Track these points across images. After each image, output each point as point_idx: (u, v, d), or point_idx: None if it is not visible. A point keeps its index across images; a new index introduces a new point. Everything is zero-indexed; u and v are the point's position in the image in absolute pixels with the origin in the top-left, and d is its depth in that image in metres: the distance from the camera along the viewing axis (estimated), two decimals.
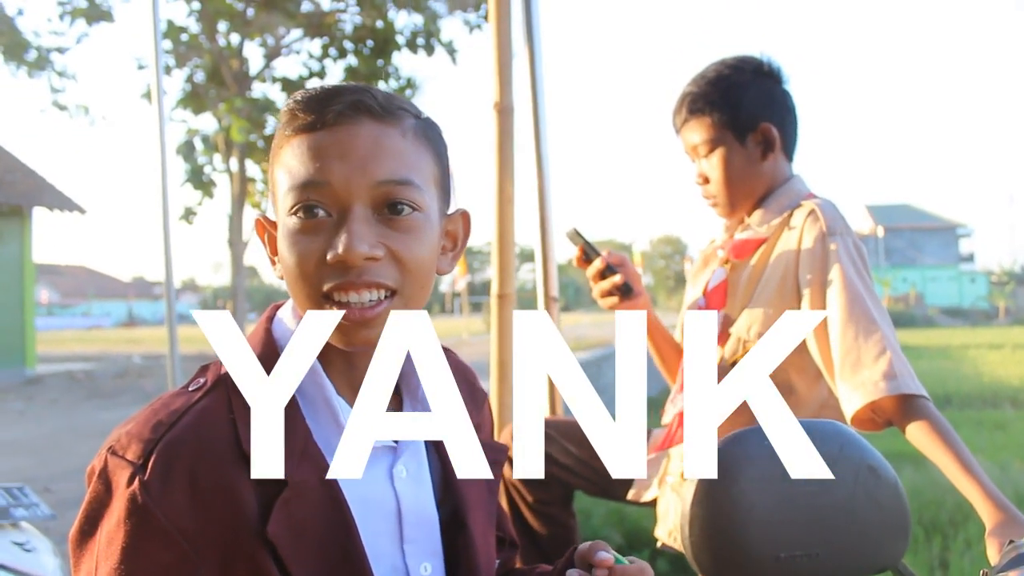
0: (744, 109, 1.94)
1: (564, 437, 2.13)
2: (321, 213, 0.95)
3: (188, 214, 19.51)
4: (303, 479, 0.95)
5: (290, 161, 0.97)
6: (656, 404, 2.17)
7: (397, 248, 0.96)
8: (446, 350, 1.29)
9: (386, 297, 0.97)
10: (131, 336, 39.21)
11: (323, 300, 0.96)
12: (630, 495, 2.12)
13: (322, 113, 0.96)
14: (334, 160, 0.94)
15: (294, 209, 0.96)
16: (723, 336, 1.93)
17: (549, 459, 2.10)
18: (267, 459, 0.92)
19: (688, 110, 1.98)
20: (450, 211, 1.10)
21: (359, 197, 0.95)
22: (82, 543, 0.92)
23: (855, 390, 1.67)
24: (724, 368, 1.91)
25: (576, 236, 2.09)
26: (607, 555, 1.01)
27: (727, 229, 2.07)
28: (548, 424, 2.16)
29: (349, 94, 0.97)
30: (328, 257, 0.93)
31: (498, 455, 1.20)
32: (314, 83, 19.21)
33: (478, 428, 1.21)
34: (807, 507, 0.84)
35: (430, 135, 1.04)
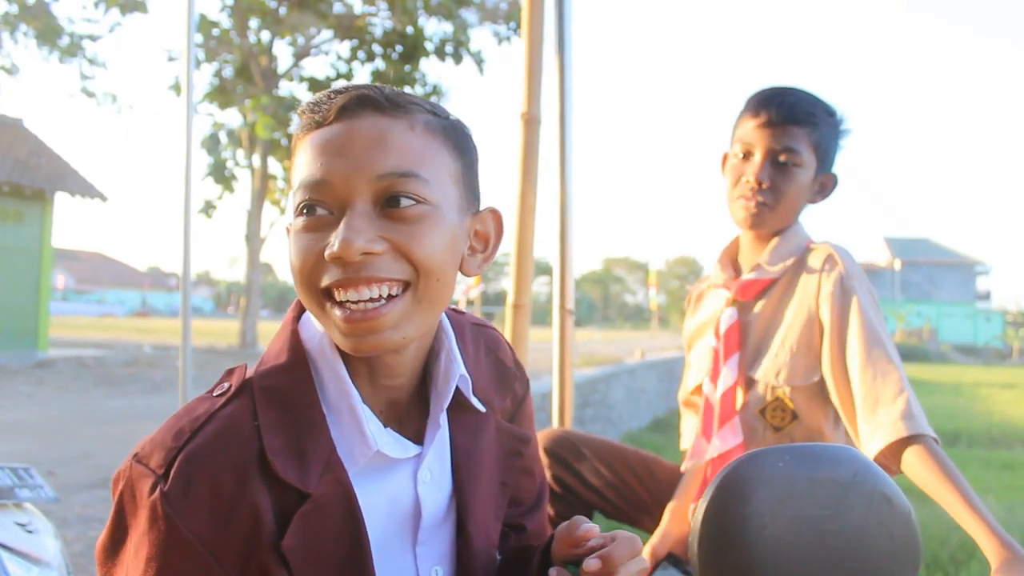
0: (832, 151, 1.96)
1: (598, 458, 2.10)
2: (323, 211, 0.92)
3: (208, 207, 19.66)
4: (324, 492, 0.93)
5: (298, 161, 0.95)
6: (648, 436, 2.15)
7: (400, 241, 0.91)
8: (489, 327, 1.25)
9: (391, 296, 0.93)
10: (143, 325, 39.43)
11: (323, 297, 0.93)
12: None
13: (326, 111, 0.94)
14: (335, 157, 0.91)
15: (299, 209, 0.93)
16: (743, 379, 1.91)
17: (578, 477, 2.08)
18: (291, 471, 0.91)
19: (795, 113, 1.90)
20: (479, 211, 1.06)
21: (359, 193, 0.91)
22: (112, 551, 0.91)
23: (877, 430, 1.67)
24: (752, 416, 1.90)
25: None
26: (591, 526, 0.98)
27: (723, 268, 2.05)
28: (584, 442, 2.12)
29: (354, 90, 0.94)
30: (326, 254, 0.90)
31: (517, 444, 1.18)
32: (341, 84, 19.21)
33: (507, 413, 1.20)
34: (818, 531, 0.83)
35: (449, 132, 0.99)
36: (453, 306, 1.19)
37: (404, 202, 0.91)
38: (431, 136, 0.96)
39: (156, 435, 0.93)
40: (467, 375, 1.08)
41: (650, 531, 2.09)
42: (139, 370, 15.38)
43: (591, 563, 0.92)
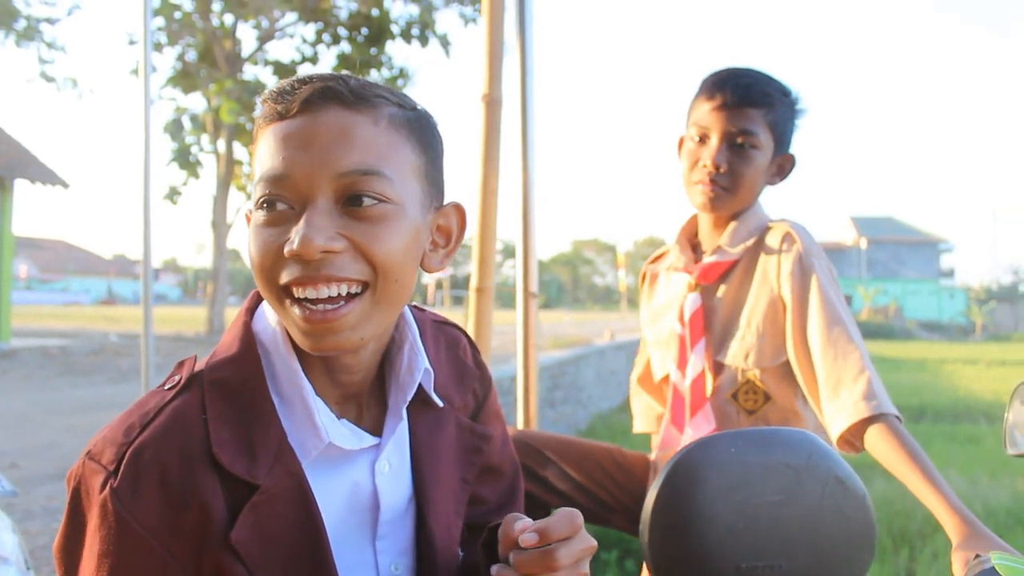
0: (789, 131, 1.94)
1: (565, 460, 2.00)
2: (283, 206, 0.90)
3: (172, 194, 19.45)
4: (275, 483, 0.92)
5: (260, 153, 0.93)
6: (619, 417, 2.11)
7: (361, 240, 0.90)
8: (450, 325, 1.23)
9: (351, 296, 0.91)
10: (109, 314, 39.00)
11: (283, 294, 0.91)
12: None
13: (289, 102, 0.91)
14: (297, 151, 0.89)
15: (259, 203, 0.92)
16: (711, 365, 1.89)
17: (545, 485, 1.97)
18: (239, 463, 0.90)
19: (751, 95, 1.87)
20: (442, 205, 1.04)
21: (320, 189, 0.89)
22: (69, 549, 0.90)
23: (839, 411, 1.68)
24: (724, 401, 1.88)
25: None
26: (526, 522, 0.92)
27: (683, 249, 2.04)
28: (547, 444, 2.03)
29: (319, 81, 0.92)
30: (285, 251, 0.88)
31: (478, 441, 1.16)
32: (306, 68, 19.14)
33: (468, 411, 1.18)
34: (771, 517, 0.82)
35: (414, 125, 0.97)
36: (416, 303, 1.18)
37: (366, 201, 0.90)
38: (395, 131, 0.94)
39: (108, 431, 0.92)
40: (431, 368, 1.07)
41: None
42: (105, 359, 15.19)
43: (527, 537, 0.89)
